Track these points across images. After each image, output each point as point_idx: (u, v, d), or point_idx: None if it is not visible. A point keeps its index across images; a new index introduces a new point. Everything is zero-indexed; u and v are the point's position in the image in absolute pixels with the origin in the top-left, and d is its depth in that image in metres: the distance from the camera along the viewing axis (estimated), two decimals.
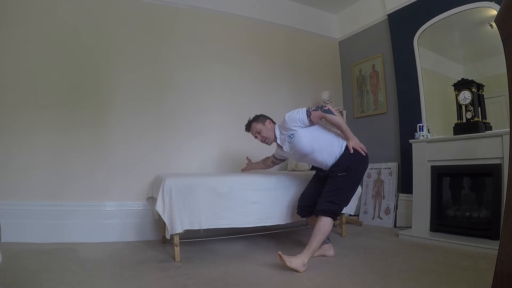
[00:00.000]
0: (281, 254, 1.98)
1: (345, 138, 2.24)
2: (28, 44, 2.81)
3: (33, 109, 2.79)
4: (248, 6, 3.79)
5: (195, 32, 3.46)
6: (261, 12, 3.87)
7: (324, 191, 2.20)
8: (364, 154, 2.21)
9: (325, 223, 2.09)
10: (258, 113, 2.48)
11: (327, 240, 2.34)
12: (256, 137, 2.44)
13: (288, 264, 1.94)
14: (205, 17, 3.53)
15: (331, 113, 2.19)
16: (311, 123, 2.23)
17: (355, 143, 2.21)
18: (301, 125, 2.22)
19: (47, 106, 2.82)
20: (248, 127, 2.48)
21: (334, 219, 2.15)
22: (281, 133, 2.34)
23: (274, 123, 2.45)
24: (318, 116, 2.20)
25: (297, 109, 2.25)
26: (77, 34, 2.96)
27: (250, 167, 2.85)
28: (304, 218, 2.50)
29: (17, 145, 2.73)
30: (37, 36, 2.83)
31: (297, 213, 2.43)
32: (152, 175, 2.90)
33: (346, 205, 2.26)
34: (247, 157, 2.89)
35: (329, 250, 2.32)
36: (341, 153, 2.22)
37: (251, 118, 2.48)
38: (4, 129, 2.71)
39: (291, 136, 2.25)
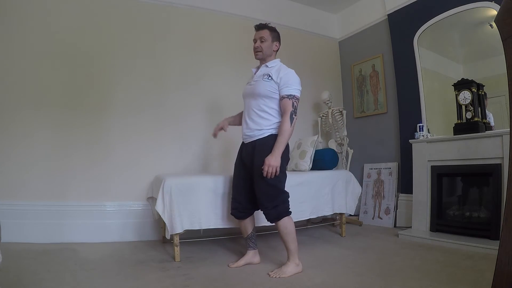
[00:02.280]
0: (271, 274, 1.95)
1: (272, 150, 1.96)
2: (28, 44, 2.81)
3: (33, 109, 2.78)
4: (248, 6, 3.79)
5: (194, 32, 3.46)
6: (261, 12, 3.86)
7: (258, 197, 2.05)
8: (265, 174, 1.94)
9: (285, 225, 2.01)
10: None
11: (254, 246, 2.23)
12: (255, 41, 2.17)
13: (284, 275, 1.93)
14: (205, 17, 3.53)
15: (290, 122, 1.98)
16: (280, 98, 2.03)
17: (272, 164, 1.92)
18: (277, 85, 2.04)
19: (47, 106, 2.82)
20: (260, 27, 2.19)
21: (289, 214, 2.05)
22: (272, 67, 2.13)
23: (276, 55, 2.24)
24: (286, 106, 2.00)
25: (297, 84, 2.05)
26: (77, 34, 2.96)
27: (223, 123, 2.37)
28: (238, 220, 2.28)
29: (17, 145, 2.73)
30: (37, 36, 2.83)
31: (231, 214, 2.23)
32: (152, 175, 2.90)
33: (286, 194, 2.07)
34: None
35: (254, 257, 2.22)
36: (267, 134, 2.05)
37: (269, 24, 2.22)
38: (4, 129, 2.71)
39: (268, 77, 2.07)
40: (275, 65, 2.15)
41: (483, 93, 2.73)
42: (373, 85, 3.96)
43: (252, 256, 2.22)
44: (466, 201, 2.88)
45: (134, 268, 2.10)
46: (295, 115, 2.02)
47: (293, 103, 2.01)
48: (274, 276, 1.93)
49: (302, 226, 3.32)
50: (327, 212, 2.84)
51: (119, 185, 2.95)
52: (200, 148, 3.36)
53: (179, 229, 2.22)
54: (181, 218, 2.25)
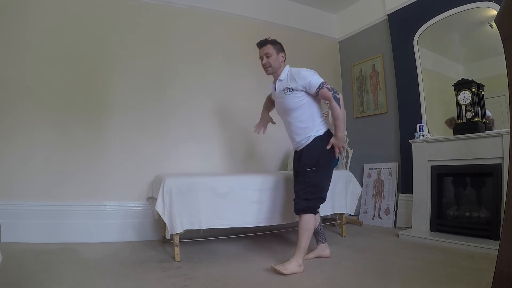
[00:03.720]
0: (274, 266, 1.97)
1: (335, 133, 2.13)
2: (27, 43, 2.80)
3: (33, 109, 2.78)
4: (248, 6, 3.79)
5: (194, 32, 3.46)
6: (261, 12, 3.87)
7: (296, 189, 2.17)
8: (337, 155, 2.18)
9: (307, 221, 2.06)
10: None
11: (323, 240, 2.33)
12: (261, 58, 2.23)
13: (285, 272, 1.93)
14: (205, 17, 3.53)
15: (338, 103, 2.08)
16: (316, 95, 2.11)
17: (338, 143, 2.12)
18: (304, 89, 2.11)
19: (47, 106, 2.82)
20: (262, 44, 2.23)
21: (315, 213, 2.11)
22: (285, 79, 2.18)
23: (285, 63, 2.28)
24: (325, 95, 2.08)
25: (315, 75, 2.12)
26: (77, 34, 2.96)
27: (265, 121, 2.55)
28: None
29: (17, 145, 2.73)
30: (37, 37, 2.83)
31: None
32: (152, 175, 2.90)
33: (323, 197, 2.15)
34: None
35: (324, 250, 2.30)
36: (312, 138, 2.14)
37: (270, 38, 2.26)
38: (3, 129, 2.70)
39: (289, 90, 2.13)
40: (289, 75, 2.20)
41: (483, 93, 2.73)
42: (373, 85, 3.96)
43: (322, 249, 2.29)
44: (466, 201, 2.88)
45: (134, 268, 2.10)
46: (338, 94, 2.10)
47: (328, 88, 2.08)
48: (276, 268, 1.94)
49: None
50: (327, 212, 2.85)
51: (119, 185, 2.95)
52: (201, 148, 3.35)
53: (179, 229, 2.22)
54: (181, 218, 2.25)
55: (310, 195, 2.09)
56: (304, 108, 2.15)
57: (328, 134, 2.18)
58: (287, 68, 2.24)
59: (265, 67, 2.24)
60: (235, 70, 3.64)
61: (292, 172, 2.91)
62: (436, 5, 3.11)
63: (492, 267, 1.22)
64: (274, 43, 2.25)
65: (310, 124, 2.16)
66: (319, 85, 2.08)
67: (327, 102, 2.14)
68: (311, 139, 2.15)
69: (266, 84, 3.80)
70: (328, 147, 2.12)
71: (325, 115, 3.79)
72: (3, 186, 2.66)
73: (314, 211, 2.10)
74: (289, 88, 2.14)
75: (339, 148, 2.14)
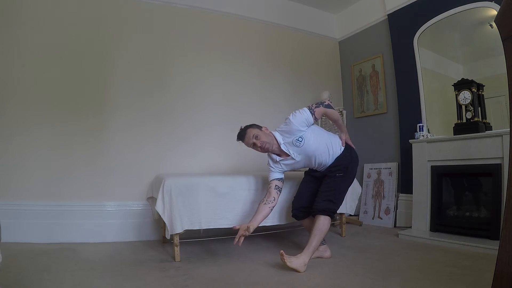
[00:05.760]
0: (283, 253, 1.98)
1: (341, 131, 2.35)
2: (28, 44, 2.81)
3: (33, 109, 2.78)
4: (248, 6, 3.79)
5: (194, 32, 3.46)
6: (261, 12, 3.87)
7: (321, 190, 2.20)
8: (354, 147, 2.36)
9: (324, 222, 2.10)
10: (250, 123, 2.24)
11: (323, 241, 2.33)
12: (253, 144, 2.14)
13: (288, 264, 1.94)
14: (205, 17, 3.53)
15: (331, 107, 2.24)
16: (315, 120, 2.19)
17: (348, 137, 2.33)
18: (307, 125, 2.14)
19: (47, 106, 2.82)
20: (242, 135, 2.18)
21: (332, 218, 2.17)
22: (285, 138, 2.17)
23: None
24: (321, 112, 2.19)
25: (298, 110, 2.17)
26: (77, 34, 2.96)
27: (245, 231, 2.06)
28: (299, 221, 2.42)
29: (17, 145, 2.73)
30: (37, 36, 2.83)
31: (292, 216, 2.37)
32: (152, 175, 2.90)
33: (341, 203, 2.27)
34: (234, 227, 2.13)
35: (325, 251, 2.31)
36: (339, 154, 2.24)
37: (243, 127, 2.23)
38: (4, 129, 2.71)
39: (300, 140, 2.13)
40: (283, 134, 2.18)
41: (483, 93, 2.73)
42: (373, 85, 3.96)
43: (323, 250, 2.30)
44: (466, 201, 2.88)
45: (134, 268, 2.10)
46: (325, 102, 2.23)
47: (316, 107, 2.17)
48: (283, 256, 1.95)
49: (301, 226, 3.30)
50: None
51: (119, 185, 2.95)
52: (201, 148, 3.35)
53: (179, 229, 2.22)
54: (181, 218, 2.25)
55: (334, 198, 2.17)
56: (320, 137, 2.20)
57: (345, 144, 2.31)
58: (276, 133, 2.20)
59: (264, 147, 2.14)
60: (235, 71, 3.64)
61: (292, 172, 2.90)
62: (436, 5, 3.11)
63: (492, 267, 1.22)
64: (250, 126, 2.22)
65: (333, 144, 2.23)
66: (311, 113, 2.15)
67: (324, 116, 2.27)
68: (338, 156, 2.24)
69: (266, 83, 3.82)
70: (343, 144, 2.27)
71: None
72: (3, 186, 2.66)
73: (333, 215, 2.16)
74: (298, 139, 2.15)
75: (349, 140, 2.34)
